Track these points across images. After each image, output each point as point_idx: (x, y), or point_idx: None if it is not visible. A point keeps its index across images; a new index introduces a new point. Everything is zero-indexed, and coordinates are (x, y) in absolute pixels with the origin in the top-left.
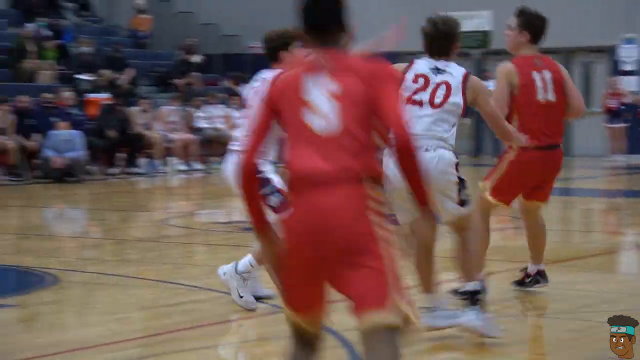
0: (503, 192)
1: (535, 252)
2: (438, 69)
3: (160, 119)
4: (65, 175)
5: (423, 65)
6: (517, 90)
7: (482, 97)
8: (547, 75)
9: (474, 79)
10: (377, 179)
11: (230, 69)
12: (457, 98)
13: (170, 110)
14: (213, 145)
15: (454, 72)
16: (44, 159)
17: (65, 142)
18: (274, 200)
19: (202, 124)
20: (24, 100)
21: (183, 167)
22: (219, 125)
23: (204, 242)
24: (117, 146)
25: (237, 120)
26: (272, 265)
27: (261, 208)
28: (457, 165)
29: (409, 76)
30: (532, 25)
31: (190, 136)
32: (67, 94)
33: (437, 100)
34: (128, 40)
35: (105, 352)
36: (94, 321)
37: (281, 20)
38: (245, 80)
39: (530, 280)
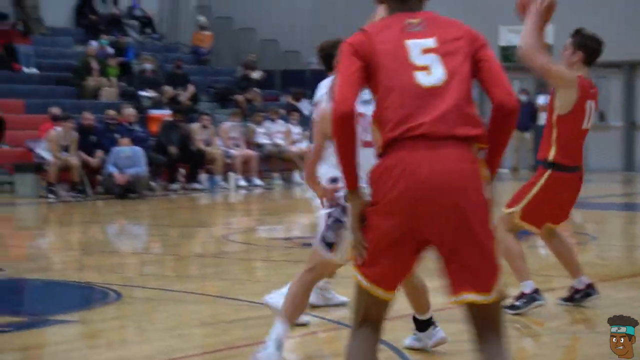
0: (534, 215)
1: (570, 268)
2: None
3: (220, 135)
4: (127, 191)
5: None
6: (567, 109)
7: None
8: (593, 105)
9: None
10: (481, 138)
11: (290, 84)
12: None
13: (230, 126)
14: (273, 161)
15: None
16: (106, 175)
17: (128, 158)
18: (330, 236)
19: (263, 140)
20: (88, 118)
21: (243, 183)
22: (279, 141)
23: (265, 258)
24: (178, 162)
25: (296, 136)
26: (355, 224)
27: (355, 161)
28: None
29: None
30: (586, 45)
31: (250, 152)
32: (130, 111)
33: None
34: (189, 57)
35: None
36: (155, 337)
37: (341, 36)
38: (305, 95)
39: (580, 295)
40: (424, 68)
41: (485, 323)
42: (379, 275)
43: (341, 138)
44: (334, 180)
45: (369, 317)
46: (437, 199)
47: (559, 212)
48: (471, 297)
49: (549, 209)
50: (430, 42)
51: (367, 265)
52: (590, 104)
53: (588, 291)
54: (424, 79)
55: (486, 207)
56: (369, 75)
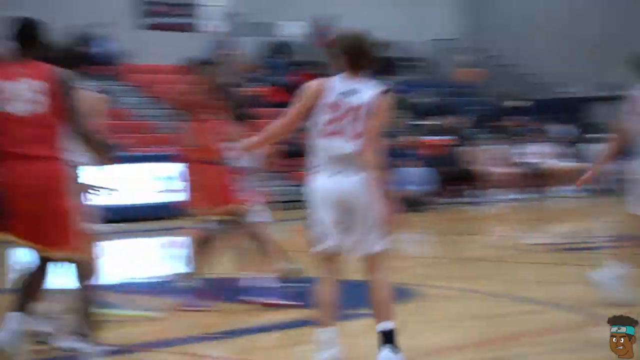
0: None
1: None
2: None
3: (486, 156)
4: (415, 204)
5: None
6: None
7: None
8: None
9: (384, 97)
10: None
11: (545, 111)
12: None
13: (494, 149)
14: (532, 177)
15: (366, 90)
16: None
17: (415, 177)
18: None
19: (525, 159)
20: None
21: (509, 197)
22: (534, 160)
23: (529, 261)
24: (458, 181)
25: (547, 155)
26: None
27: None
28: None
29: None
30: None
31: (511, 170)
32: (416, 138)
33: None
34: (463, 91)
35: (449, 356)
36: (439, 328)
37: (610, 70)
38: (558, 120)
39: None
40: None
41: None
42: None
43: None
44: None
45: None
46: None
47: None
48: None
49: None
50: None
51: None
52: None
53: None
54: None
55: None
56: None
